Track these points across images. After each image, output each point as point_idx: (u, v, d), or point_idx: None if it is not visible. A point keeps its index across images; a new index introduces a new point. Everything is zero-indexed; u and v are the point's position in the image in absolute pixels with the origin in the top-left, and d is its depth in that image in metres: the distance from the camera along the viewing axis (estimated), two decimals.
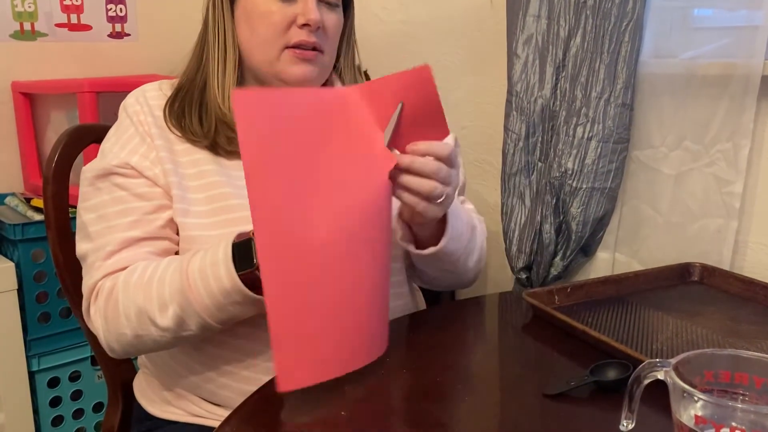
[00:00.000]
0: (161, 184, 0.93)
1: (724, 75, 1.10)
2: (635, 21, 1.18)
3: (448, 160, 0.81)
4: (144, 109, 0.96)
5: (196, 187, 0.93)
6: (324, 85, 1.03)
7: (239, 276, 0.79)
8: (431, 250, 0.91)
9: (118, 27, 2.03)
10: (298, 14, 0.93)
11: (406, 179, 0.80)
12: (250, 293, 0.80)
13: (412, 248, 0.93)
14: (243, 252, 0.80)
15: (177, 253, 0.95)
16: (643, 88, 1.22)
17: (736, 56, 1.09)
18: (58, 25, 1.93)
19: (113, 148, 0.95)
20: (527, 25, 1.28)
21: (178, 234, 0.94)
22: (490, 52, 1.49)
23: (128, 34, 2.05)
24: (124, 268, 0.90)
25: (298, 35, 0.93)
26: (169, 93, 0.99)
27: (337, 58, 1.04)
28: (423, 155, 0.80)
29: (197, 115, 0.95)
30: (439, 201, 0.82)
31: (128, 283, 0.87)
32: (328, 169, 0.75)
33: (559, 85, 1.26)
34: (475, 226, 1.02)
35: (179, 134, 0.94)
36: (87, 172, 0.95)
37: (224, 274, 0.80)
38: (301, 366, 0.73)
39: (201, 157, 0.94)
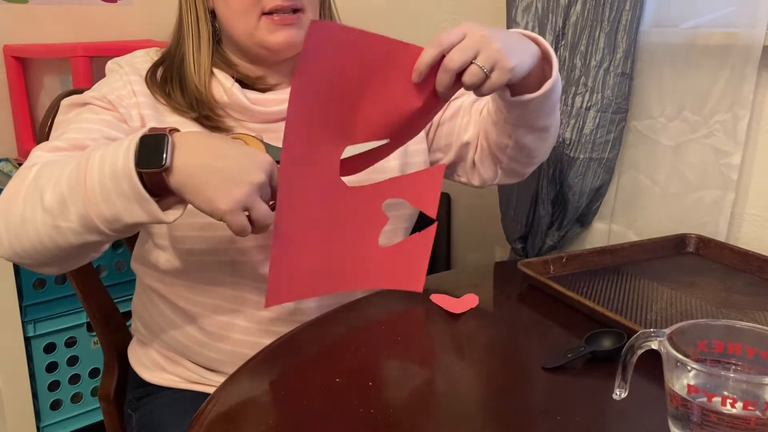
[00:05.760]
0: (132, 125, 0.91)
1: (725, 45, 1.09)
2: None
3: (459, 38, 0.78)
4: (126, 69, 0.95)
5: None
6: None
7: (140, 171, 0.71)
8: (547, 85, 0.88)
9: None
10: None
11: (449, 62, 0.77)
12: (140, 186, 0.71)
13: (527, 96, 0.88)
14: (151, 146, 0.71)
15: None
16: (643, 58, 1.21)
17: (737, 26, 1.08)
18: None
19: (95, 89, 0.94)
20: None
21: None
22: (489, 19, 1.47)
23: None
24: None
25: (271, 1, 0.90)
26: (156, 59, 0.98)
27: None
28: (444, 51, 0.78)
29: (179, 88, 0.94)
30: (492, 64, 0.78)
31: (46, 164, 0.80)
32: (364, 116, 0.80)
33: (558, 53, 1.25)
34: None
35: (164, 102, 0.93)
36: (64, 102, 0.93)
37: (121, 157, 0.72)
38: (289, 287, 0.82)
39: (192, 129, 0.93)
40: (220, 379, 0.79)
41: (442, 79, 0.79)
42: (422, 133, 1.04)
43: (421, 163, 1.04)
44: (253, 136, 0.84)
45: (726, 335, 0.61)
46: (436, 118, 1.05)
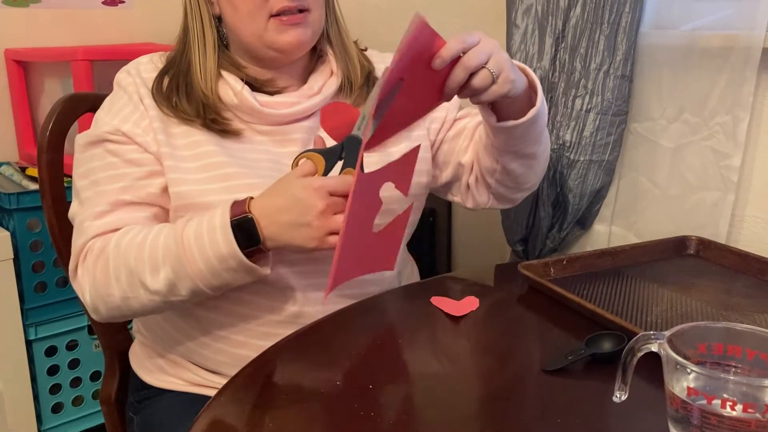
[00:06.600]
0: (152, 150, 0.93)
1: (725, 47, 1.09)
2: None
3: (476, 41, 0.84)
4: (137, 80, 0.97)
5: (190, 156, 0.93)
6: (314, 49, 1.01)
7: (243, 251, 0.82)
8: (532, 112, 0.91)
9: None
10: None
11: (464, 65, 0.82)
12: (247, 262, 0.83)
13: (511, 122, 0.91)
14: (244, 229, 0.83)
15: (168, 220, 0.95)
16: (642, 60, 1.21)
17: (737, 28, 1.08)
18: None
19: (105, 117, 0.96)
20: None
21: (170, 203, 0.94)
22: (489, 22, 1.47)
23: (123, 1, 2.02)
24: (116, 230, 0.91)
25: (279, 2, 0.91)
26: (161, 66, 0.99)
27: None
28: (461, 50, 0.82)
29: (185, 96, 0.95)
30: (499, 72, 0.83)
31: (120, 245, 0.88)
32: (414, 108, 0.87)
33: (558, 56, 1.25)
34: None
35: (171, 114, 0.94)
36: (80, 139, 0.96)
37: (221, 240, 0.83)
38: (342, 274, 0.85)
39: (199, 138, 0.94)
40: (222, 381, 0.79)
41: (457, 75, 0.82)
42: (427, 143, 1.05)
43: (424, 165, 1.04)
44: (314, 151, 0.86)
45: (726, 337, 0.61)
46: (440, 136, 1.08)
